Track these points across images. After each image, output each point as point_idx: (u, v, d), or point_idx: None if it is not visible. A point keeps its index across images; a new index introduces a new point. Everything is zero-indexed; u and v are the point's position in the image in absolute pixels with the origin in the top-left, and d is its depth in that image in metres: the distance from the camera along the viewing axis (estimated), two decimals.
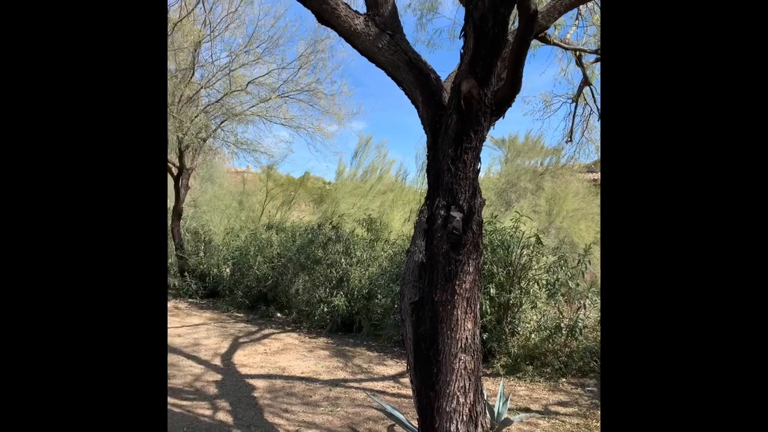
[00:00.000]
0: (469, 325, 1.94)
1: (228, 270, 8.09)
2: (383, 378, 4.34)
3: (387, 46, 2.34)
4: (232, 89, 7.29)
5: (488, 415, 2.76)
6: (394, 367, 4.65)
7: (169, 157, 8.67)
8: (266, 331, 5.87)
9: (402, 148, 32.91)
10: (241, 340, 5.39)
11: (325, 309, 5.81)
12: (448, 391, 1.90)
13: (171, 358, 4.57)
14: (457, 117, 1.87)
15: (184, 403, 3.49)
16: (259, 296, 7.11)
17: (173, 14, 5.82)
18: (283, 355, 4.86)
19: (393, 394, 3.91)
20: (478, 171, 1.95)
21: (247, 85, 7.36)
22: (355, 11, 2.40)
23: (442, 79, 2.39)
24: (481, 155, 1.98)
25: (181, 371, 4.18)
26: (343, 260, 6.27)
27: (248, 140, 9.10)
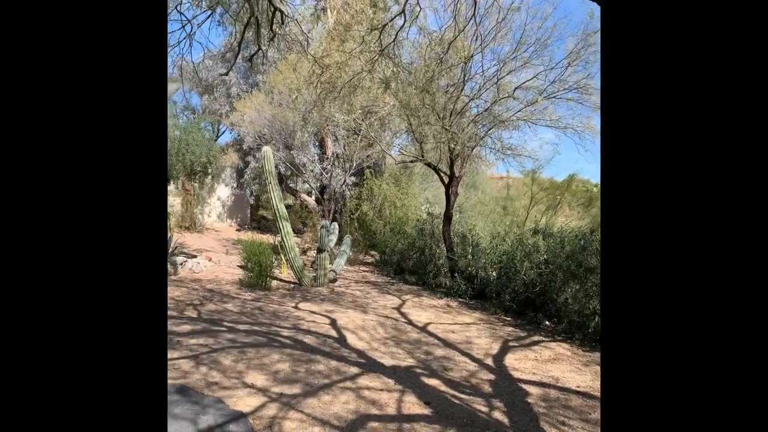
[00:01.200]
0: None
1: (494, 273, 8.30)
2: None
3: None
4: (500, 97, 7.46)
5: None
6: None
7: (439, 166, 9.47)
8: (535, 338, 5.77)
9: None
10: (511, 343, 5.43)
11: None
12: None
13: (447, 352, 4.94)
14: None
15: (463, 396, 3.72)
16: (527, 302, 7.03)
17: (448, 34, 6.32)
18: (556, 365, 4.68)
19: None
20: None
21: (514, 91, 7.42)
22: None
23: None
24: None
25: (457, 365, 4.48)
26: None
27: (512, 145, 9.18)
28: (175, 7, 3.88)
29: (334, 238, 9.51)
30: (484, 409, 3.51)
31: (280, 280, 9.19)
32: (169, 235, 10.41)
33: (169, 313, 5.83)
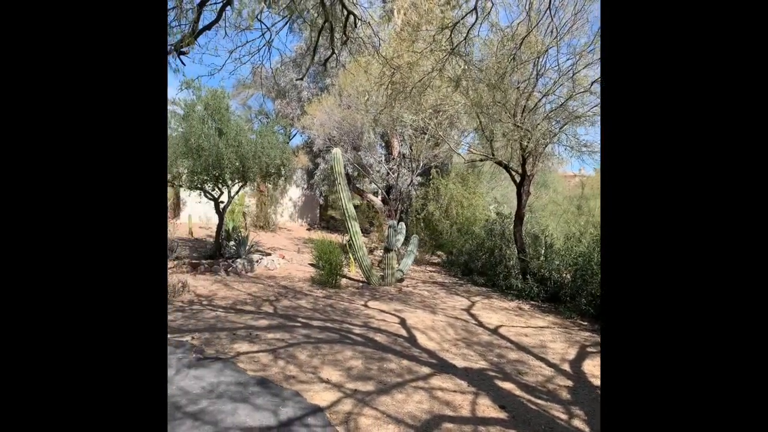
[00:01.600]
0: None
1: (569, 276, 7.95)
2: None
3: None
4: (575, 92, 7.14)
5: None
6: None
7: (512, 165, 9.23)
8: None
9: None
10: (589, 349, 5.18)
11: None
12: None
13: (520, 355, 4.81)
14: None
15: (539, 401, 3.60)
16: None
17: (520, 29, 6.14)
18: None
19: None
20: None
21: (591, 85, 7.06)
22: None
23: None
24: None
25: (532, 370, 4.34)
26: None
27: (588, 142, 8.74)
28: (256, 17, 4.08)
29: (401, 237, 9.56)
30: (563, 416, 3.37)
31: (349, 278, 9.38)
32: (245, 233, 10.95)
33: (247, 308, 6.13)
